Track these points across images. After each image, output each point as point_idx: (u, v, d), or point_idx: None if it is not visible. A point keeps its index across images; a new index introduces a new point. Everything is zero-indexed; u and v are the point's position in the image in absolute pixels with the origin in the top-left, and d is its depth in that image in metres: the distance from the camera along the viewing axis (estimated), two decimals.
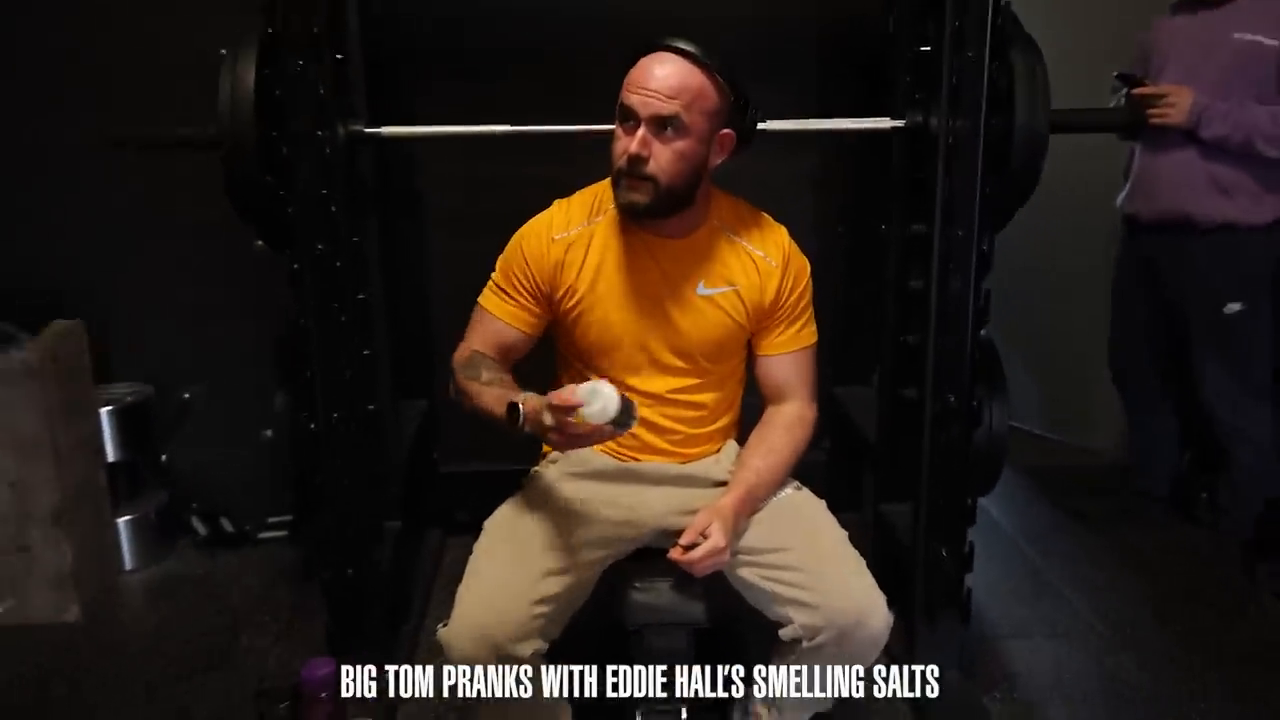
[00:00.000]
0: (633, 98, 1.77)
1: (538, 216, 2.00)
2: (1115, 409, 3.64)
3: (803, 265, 2.01)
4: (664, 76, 1.75)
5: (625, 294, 1.93)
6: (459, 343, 2.04)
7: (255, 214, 2.14)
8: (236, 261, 2.85)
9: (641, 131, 1.77)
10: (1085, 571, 3.03)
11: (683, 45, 1.77)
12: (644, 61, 1.78)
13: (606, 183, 1.92)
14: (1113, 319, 3.33)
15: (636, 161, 1.78)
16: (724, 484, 1.96)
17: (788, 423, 1.99)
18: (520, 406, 1.69)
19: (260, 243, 2.22)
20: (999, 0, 1.96)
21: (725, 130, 1.85)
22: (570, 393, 1.60)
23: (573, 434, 1.63)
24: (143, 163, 2.59)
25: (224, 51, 2.07)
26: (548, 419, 1.63)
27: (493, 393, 1.84)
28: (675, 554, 1.76)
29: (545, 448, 2.10)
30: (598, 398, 1.58)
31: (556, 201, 2.02)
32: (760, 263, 1.96)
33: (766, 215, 2.04)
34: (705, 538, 1.76)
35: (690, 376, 1.97)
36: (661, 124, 1.77)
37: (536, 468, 2.09)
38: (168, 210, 3.00)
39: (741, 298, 1.94)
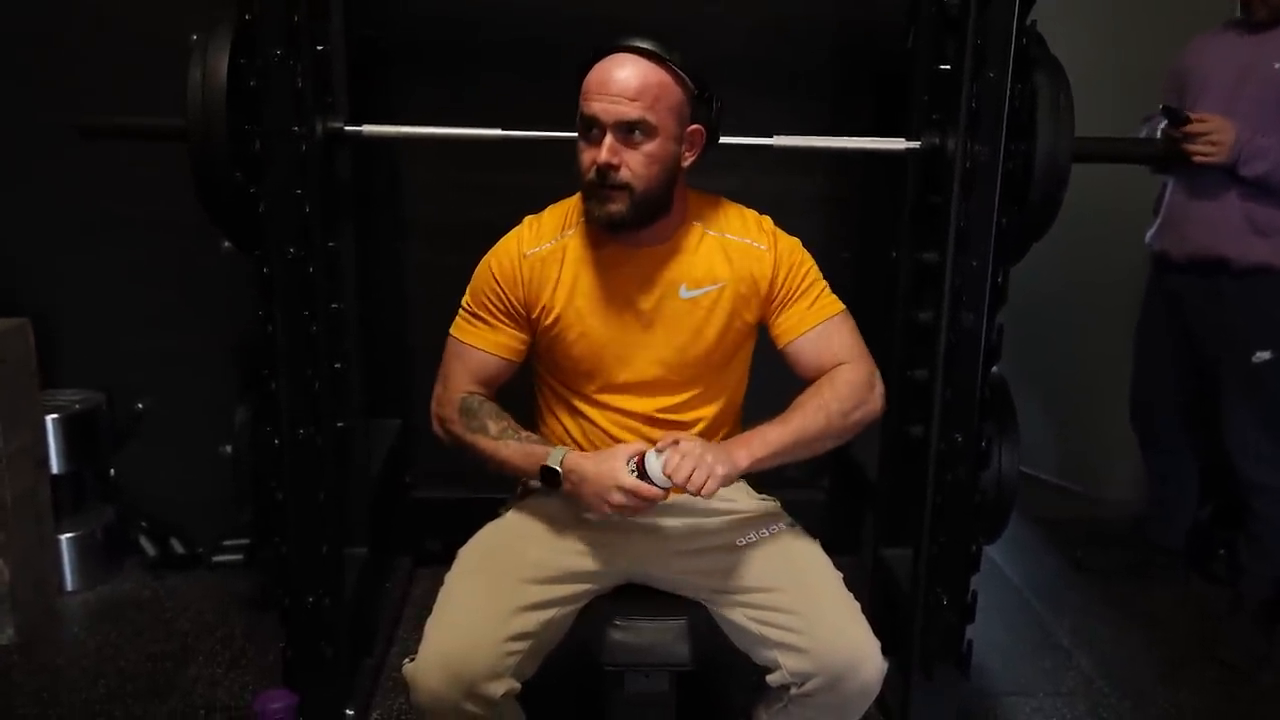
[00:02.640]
0: (594, 105, 1.78)
1: (506, 236, 2.01)
2: (1134, 457, 3.66)
3: (792, 243, 2.01)
4: (624, 79, 1.77)
5: (604, 308, 1.93)
6: (436, 381, 2.04)
7: (224, 213, 2.14)
8: (200, 263, 2.89)
9: (609, 139, 1.78)
10: (1093, 627, 3.05)
11: (638, 43, 1.79)
12: (600, 66, 1.80)
13: (579, 196, 1.94)
14: (1135, 361, 3.30)
15: (607, 171, 1.78)
16: (720, 512, 1.96)
17: (831, 377, 1.95)
18: (560, 471, 1.80)
19: (228, 244, 2.22)
20: (1023, 19, 1.99)
21: (694, 126, 1.87)
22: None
23: (634, 504, 1.75)
24: (101, 153, 2.58)
25: (195, 37, 2.07)
26: (618, 496, 1.74)
27: (515, 448, 1.89)
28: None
29: None
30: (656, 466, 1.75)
31: (527, 218, 2.02)
32: (748, 250, 1.96)
33: (747, 208, 2.04)
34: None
35: (680, 392, 1.97)
36: (628, 129, 1.78)
37: (516, 496, 2.09)
38: (128, 204, 3.00)
39: (730, 292, 1.94)
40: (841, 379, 1.95)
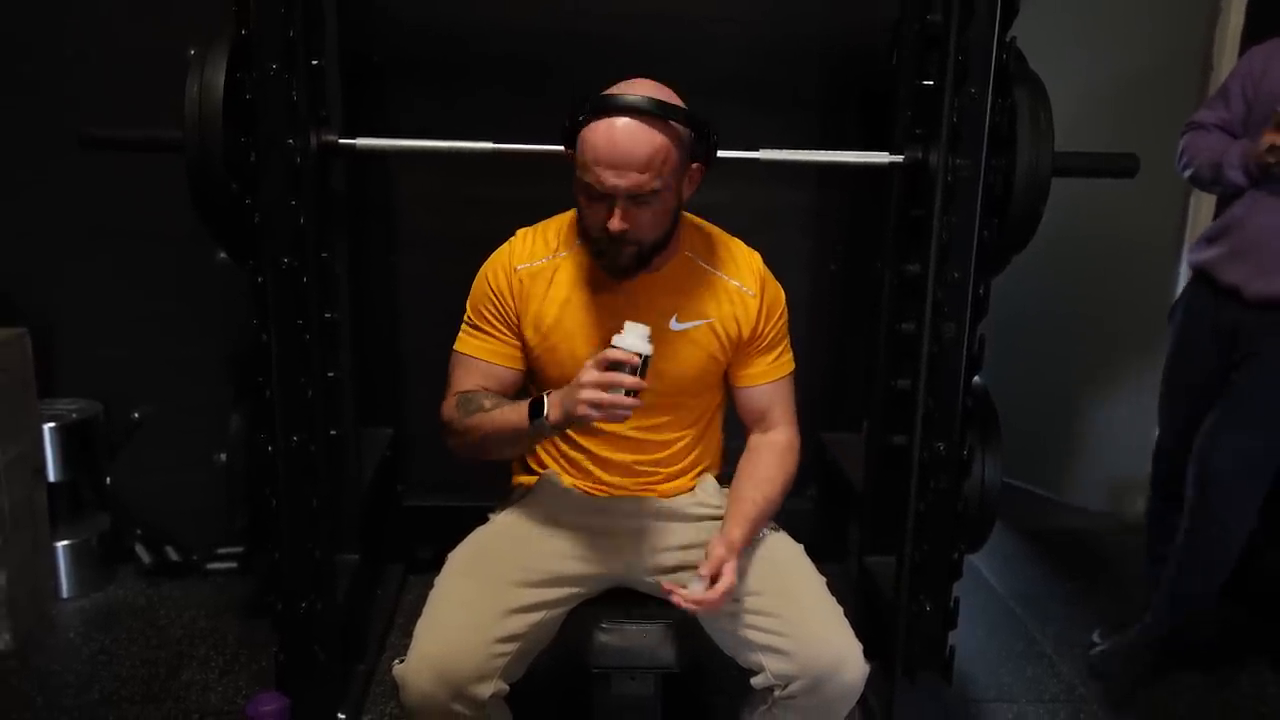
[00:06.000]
0: (604, 176, 1.71)
1: (498, 250, 2.01)
2: (1116, 469, 3.69)
3: (778, 292, 2.04)
4: (632, 148, 1.70)
5: (593, 331, 1.93)
6: (444, 391, 2.01)
7: (219, 224, 2.15)
8: (196, 272, 2.91)
9: (619, 208, 1.74)
10: (1077, 637, 3.06)
11: (640, 105, 1.72)
12: (604, 132, 1.71)
13: (572, 215, 1.96)
14: (1168, 412, 2.93)
15: (621, 236, 1.77)
16: (703, 519, 2.00)
17: (778, 450, 2.02)
18: (545, 397, 1.75)
19: (223, 254, 2.24)
20: (1003, 36, 2.02)
21: (694, 165, 1.85)
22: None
23: (605, 383, 1.67)
24: (98, 164, 2.60)
25: (192, 51, 2.09)
26: (586, 374, 1.67)
27: (508, 410, 1.84)
28: (692, 595, 1.75)
29: (514, 481, 2.12)
30: (631, 331, 1.69)
31: (520, 231, 2.03)
32: (736, 293, 1.97)
33: (738, 241, 2.06)
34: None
35: (661, 414, 1.99)
36: (639, 199, 1.75)
37: (505, 501, 2.11)
38: (124, 215, 3.02)
39: (716, 331, 1.96)
40: (796, 456, 2.05)
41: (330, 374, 2.32)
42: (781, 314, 2.04)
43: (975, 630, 3.03)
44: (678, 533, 1.99)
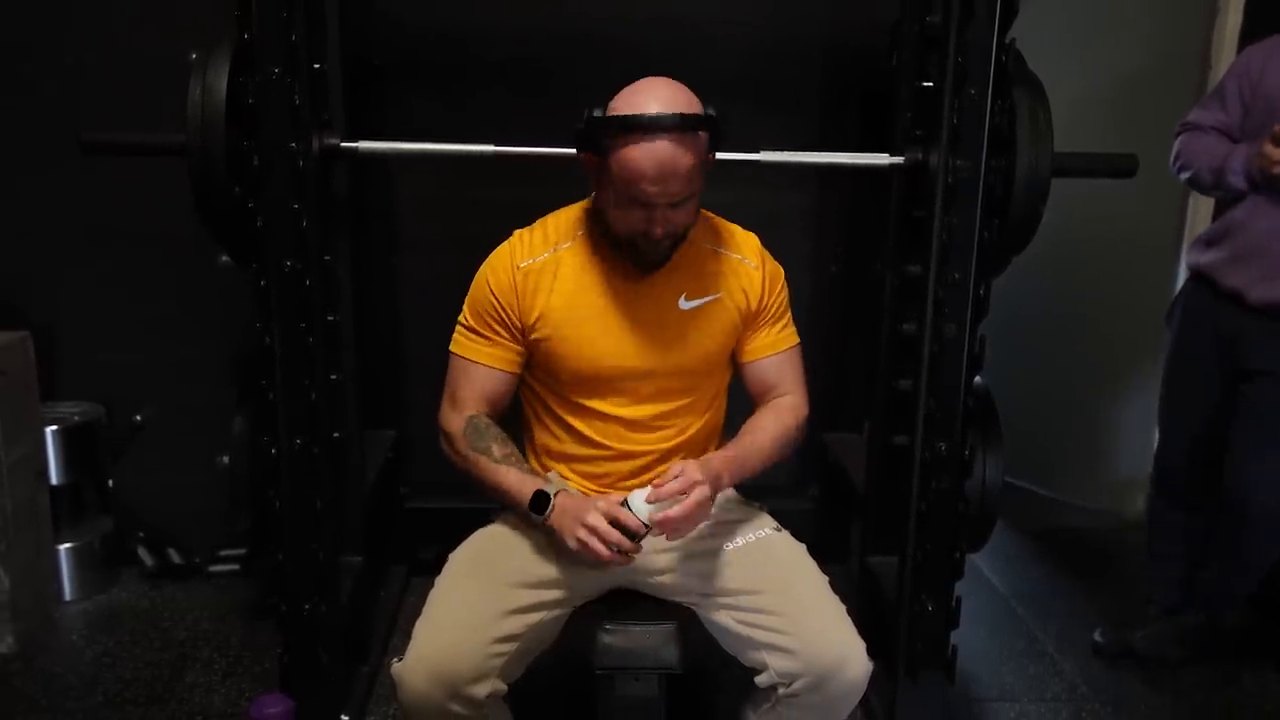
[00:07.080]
0: (649, 190, 1.75)
1: (497, 250, 2.02)
2: (1118, 470, 3.69)
3: (777, 266, 2.07)
4: (674, 167, 1.74)
5: (603, 317, 1.95)
6: (444, 397, 2.03)
7: (222, 226, 2.16)
8: (198, 275, 2.91)
9: (660, 213, 1.79)
10: (1079, 635, 3.05)
11: (674, 124, 1.72)
12: (647, 155, 1.73)
13: (570, 210, 1.99)
14: (1167, 417, 2.91)
15: (667, 236, 1.83)
16: (708, 519, 1.97)
17: (778, 407, 2.05)
18: (551, 498, 1.83)
19: (225, 257, 2.24)
20: (1003, 37, 2.02)
21: (710, 156, 1.86)
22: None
23: (605, 536, 1.73)
24: (100, 167, 2.60)
25: (194, 55, 2.09)
26: (593, 518, 1.74)
27: (515, 476, 1.91)
28: (657, 517, 1.75)
29: None
30: (641, 498, 1.76)
31: (516, 232, 2.04)
32: (740, 266, 2.01)
33: (735, 225, 2.09)
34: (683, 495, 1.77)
35: (671, 400, 2.00)
36: (678, 203, 1.80)
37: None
38: (126, 218, 3.02)
39: (726, 305, 1.99)
40: (798, 416, 2.07)
41: (333, 376, 2.32)
42: (782, 287, 2.07)
43: (977, 629, 3.03)
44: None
